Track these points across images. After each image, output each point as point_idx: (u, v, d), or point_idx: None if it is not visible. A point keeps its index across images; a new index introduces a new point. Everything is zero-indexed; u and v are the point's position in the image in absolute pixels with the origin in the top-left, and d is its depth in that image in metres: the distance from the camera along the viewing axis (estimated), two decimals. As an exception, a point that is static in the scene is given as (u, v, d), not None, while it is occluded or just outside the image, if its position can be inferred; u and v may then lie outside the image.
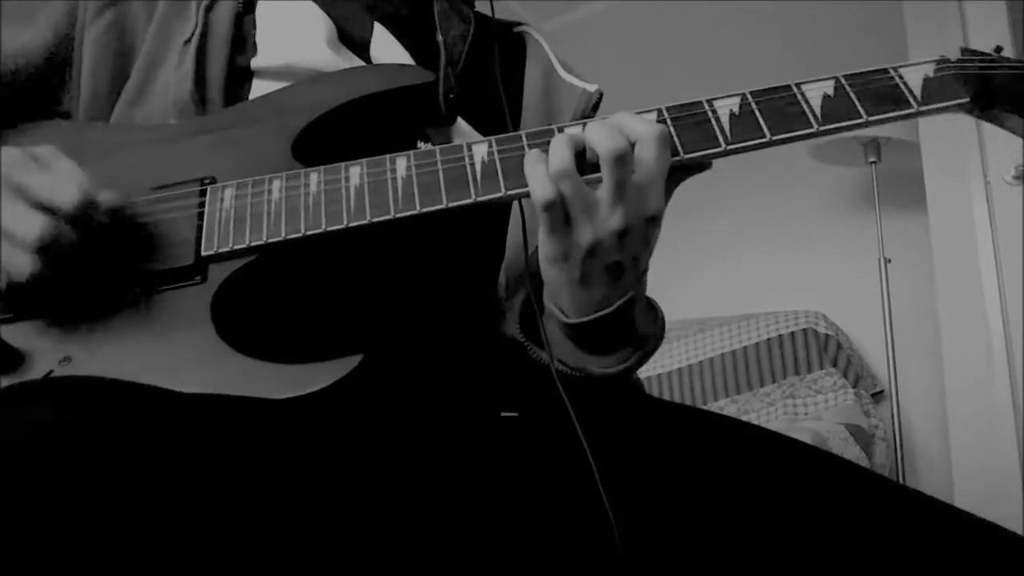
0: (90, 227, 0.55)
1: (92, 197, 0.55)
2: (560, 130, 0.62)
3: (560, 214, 0.59)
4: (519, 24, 0.90)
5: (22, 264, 0.53)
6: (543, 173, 0.58)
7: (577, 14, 3.26)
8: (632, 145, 0.59)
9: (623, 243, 0.60)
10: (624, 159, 0.58)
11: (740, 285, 2.89)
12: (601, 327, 0.65)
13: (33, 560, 0.40)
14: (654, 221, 0.61)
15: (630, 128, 0.59)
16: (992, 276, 1.98)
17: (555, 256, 0.61)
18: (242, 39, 0.71)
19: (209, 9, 0.70)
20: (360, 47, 0.75)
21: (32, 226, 0.53)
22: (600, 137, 0.58)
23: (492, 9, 0.81)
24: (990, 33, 1.99)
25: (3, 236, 0.53)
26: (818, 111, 0.63)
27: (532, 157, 0.60)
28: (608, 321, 0.64)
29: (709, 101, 0.63)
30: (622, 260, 0.61)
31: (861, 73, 0.65)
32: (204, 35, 0.69)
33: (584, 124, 0.62)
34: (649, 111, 0.63)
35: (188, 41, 0.68)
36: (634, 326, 0.68)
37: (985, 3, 2.03)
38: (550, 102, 0.83)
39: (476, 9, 0.86)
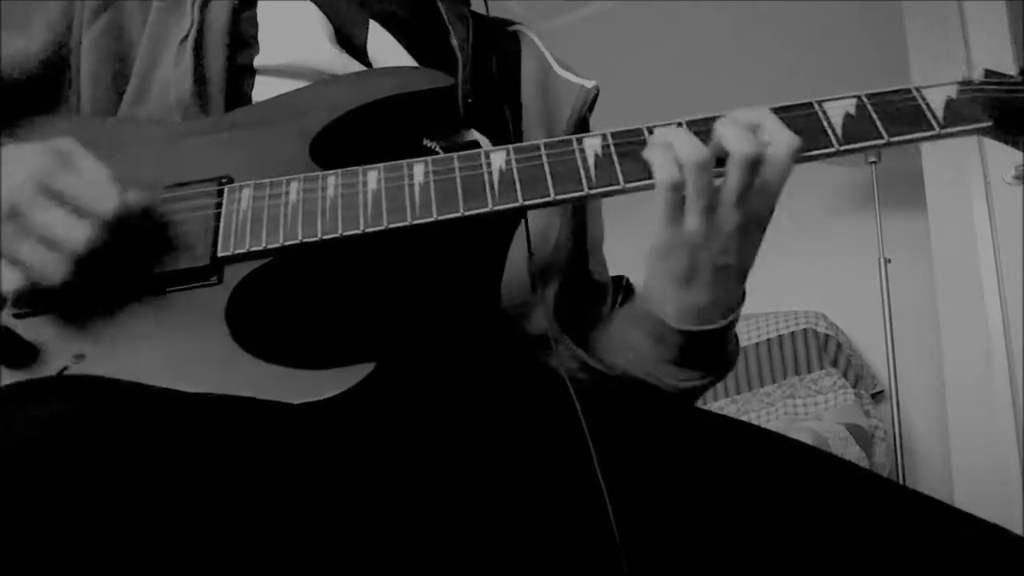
0: (123, 233, 0.55)
1: (127, 204, 0.55)
2: (579, 141, 0.62)
3: (680, 200, 0.59)
4: (513, 23, 0.90)
5: (57, 269, 0.53)
6: (670, 156, 0.58)
7: (577, 14, 3.25)
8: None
9: (734, 244, 0.60)
10: (758, 165, 0.58)
11: (740, 285, 2.89)
12: (701, 340, 0.65)
13: (42, 559, 0.40)
14: (764, 226, 0.61)
15: (768, 128, 0.59)
16: (992, 276, 1.98)
17: (665, 247, 0.61)
18: (241, 37, 0.71)
19: (204, 6, 0.70)
20: (357, 47, 0.75)
21: (77, 232, 0.53)
22: (735, 137, 0.58)
23: (487, 8, 0.81)
24: (990, 33, 1.99)
25: (42, 241, 0.53)
26: (839, 130, 0.62)
27: (661, 138, 0.59)
28: (712, 336, 0.65)
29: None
30: (731, 263, 0.61)
31: (883, 92, 0.64)
32: (200, 32, 0.69)
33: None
34: (668, 124, 0.62)
35: (185, 39, 0.68)
36: (726, 347, 0.69)
37: (985, 3, 2.03)
38: (548, 99, 0.82)
39: (471, 8, 0.86)
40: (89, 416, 0.49)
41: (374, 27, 0.76)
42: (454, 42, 0.76)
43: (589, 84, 0.84)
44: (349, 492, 0.57)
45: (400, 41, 0.76)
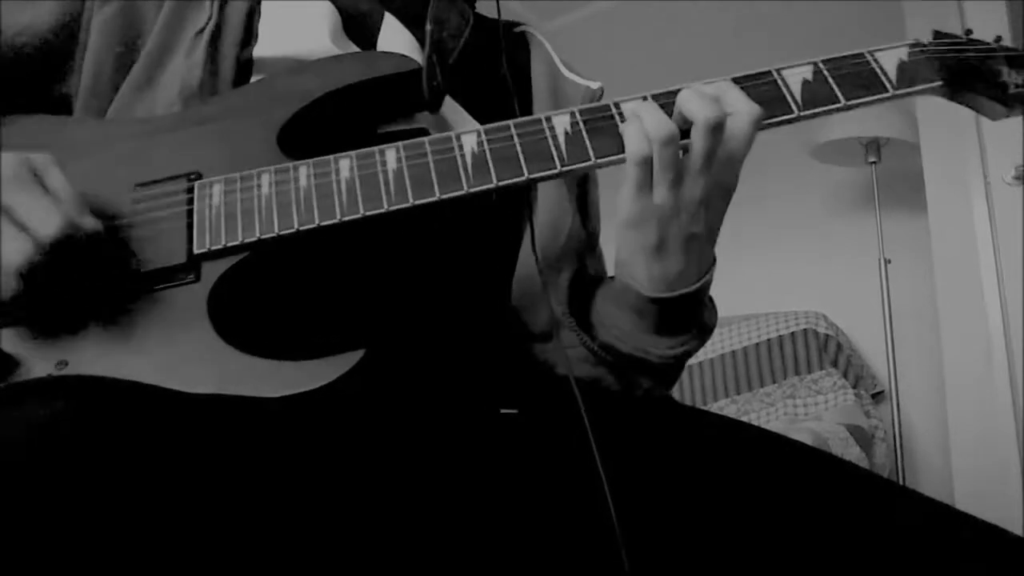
0: (72, 251, 0.54)
1: (74, 227, 0.54)
2: (548, 119, 0.63)
3: (649, 174, 0.60)
4: (520, 24, 0.90)
5: (5, 286, 0.53)
6: (641, 130, 0.60)
7: (578, 14, 3.26)
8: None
9: (701, 213, 0.62)
10: (719, 129, 0.59)
11: (740, 285, 2.89)
12: (677, 305, 0.66)
13: (31, 557, 0.40)
14: (729, 195, 0.63)
15: (730, 99, 0.61)
16: (992, 276, 1.98)
17: (634, 219, 0.63)
18: (250, 31, 0.71)
19: (223, 3, 0.70)
20: (368, 38, 0.75)
21: (16, 253, 0.52)
22: (697, 105, 0.59)
23: (499, 10, 0.81)
24: (990, 33, 1.99)
25: None
26: (799, 96, 0.64)
27: (632, 112, 0.61)
28: (686, 300, 0.66)
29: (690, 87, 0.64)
30: (700, 231, 0.63)
31: (838, 57, 0.66)
32: (218, 27, 0.69)
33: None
34: (635, 98, 0.64)
35: (200, 32, 0.68)
36: (702, 310, 0.70)
37: (985, 3, 2.03)
38: (557, 99, 0.83)
39: (476, 10, 0.86)
40: (81, 416, 0.49)
41: (389, 20, 0.76)
42: (428, 27, 0.76)
43: (595, 86, 0.84)
44: (341, 483, 0.57)
45: (414, 34, 0.76)
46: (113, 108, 0.69)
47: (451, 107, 0.75)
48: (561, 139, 0.62)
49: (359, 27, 0.75)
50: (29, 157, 0.56)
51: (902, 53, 0.67)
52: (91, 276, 0.56)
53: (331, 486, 0.56)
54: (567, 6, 3.20)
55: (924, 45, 0.68)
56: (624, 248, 0.66)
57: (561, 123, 0.63)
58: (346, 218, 0.59)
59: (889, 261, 2.40)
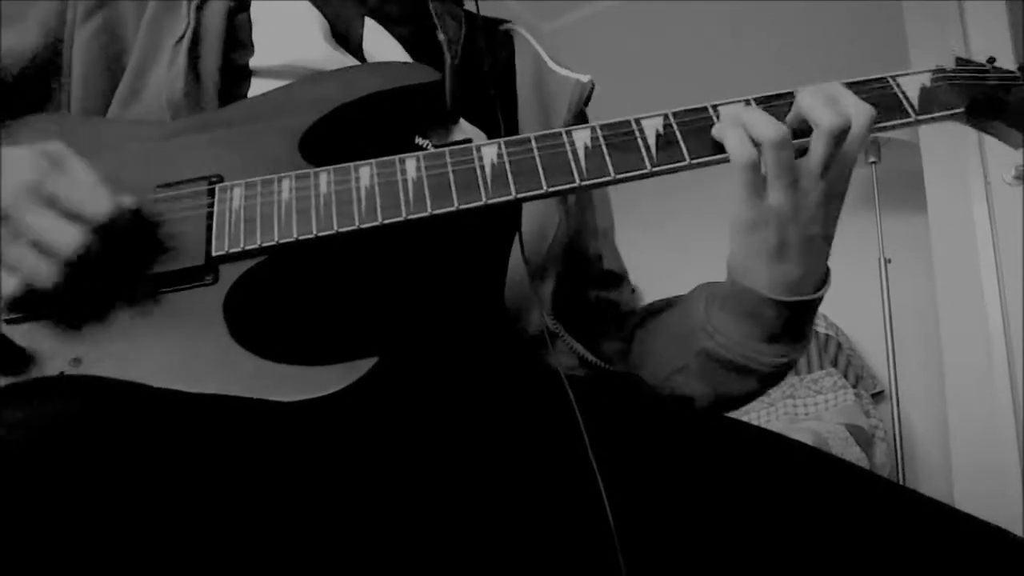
0: (115, 236, 0.55)
1: (120, 208, 0.55)
2: (568, 133, 0.63)
3: (759, 178, 0.60)
4: (505, 22, 0.91)
5: (49, 273, 0.53)
6: (741, 135, 0.60)
7: (577, 14, 3.26)
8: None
9: (820, 215, 0.62)
10: (843, 135, 0.59)
11: (740, 285, 2.89)
12: (797, 311, 0.66)
13: (32, 557, 0.40)
14: (842, 198, 0.64)
15: (846, 104, 0.61)
16: (992, 276, 1.98)
17: (750, 223, 0.63)
18: (237, 38, 0.71)
19: (200, 7, 0.70)
20: (353, 44, 0.75)
21: (67, 237, 0.53)
22: (822, 110, 0.59)
23: (477, 7, 0.82)
24: (990, 33, 1.99)
25: (34, 245, 0.52)
26: None
27: (732, 118, 0.61)
28: (805, 307, 0.66)
29: (714, 107, 0.64)
30: (818, 233, 0.63)
31: (861, 81, 0.66)
32: (197, 34, 0.69)
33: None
34: (656, 114, 0.64)
35: (180, 40, 0.68)
36: (813, 323, 0.70)
37: (985, 3, 2.03)
38: (543, 94, 0.83)
39: (465, 8, 0.86)
40: (88, 416, 0.49)
41: (370, 24, 0.76)
42: (441, 37, 0.76)
43: (584, 79, 0.84)
44: (351, 488, 0.57)
45: (395, 37, 0.76)
46: None
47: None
48: (581, 153, 0.62)
49: (342, 33, 0.75)
50: (44, 147, 0.56)
51: (924, 79, 0.67)
52: (111, 274, 0.56)
53: (339, 491, 0.56)
54: (567, 6, 3.19)
55: (946, 71, 0.67)
56: (741, 252, 0.65)
57: (581, 138, 0.63)
58: (364, 225, 0.59)
59: (889, 261, 2.40)
